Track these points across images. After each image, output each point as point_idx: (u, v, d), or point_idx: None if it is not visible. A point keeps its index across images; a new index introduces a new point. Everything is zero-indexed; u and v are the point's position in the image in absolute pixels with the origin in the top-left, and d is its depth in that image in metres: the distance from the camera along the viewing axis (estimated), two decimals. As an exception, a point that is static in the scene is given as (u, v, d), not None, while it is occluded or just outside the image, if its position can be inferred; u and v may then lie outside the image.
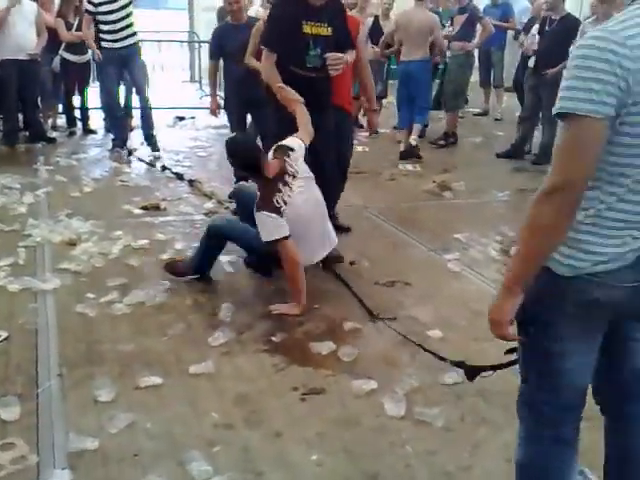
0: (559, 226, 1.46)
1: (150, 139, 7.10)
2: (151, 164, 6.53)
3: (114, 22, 6.66)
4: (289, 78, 3.82)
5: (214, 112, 5.97)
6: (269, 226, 3.40)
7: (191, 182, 5.92)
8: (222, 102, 5.87)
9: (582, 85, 1.37)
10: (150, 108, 7.07)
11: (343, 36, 3.98)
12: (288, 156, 3.57)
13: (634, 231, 1.50)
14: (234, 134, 4.67)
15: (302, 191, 3.56)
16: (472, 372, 2.58)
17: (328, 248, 3.78)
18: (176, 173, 6.19)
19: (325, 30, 3.86)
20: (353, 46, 4.05)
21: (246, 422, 2.57)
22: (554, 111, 1.42)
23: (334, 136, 4.12)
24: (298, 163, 3.60)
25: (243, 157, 3.58)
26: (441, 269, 4.16)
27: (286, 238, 3.39)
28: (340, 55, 3.86)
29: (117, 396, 2.70)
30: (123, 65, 6.85)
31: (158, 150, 7.05)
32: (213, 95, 5.84)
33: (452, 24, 7.73)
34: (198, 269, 3.85)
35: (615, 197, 1.47)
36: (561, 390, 1.66)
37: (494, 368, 2.26)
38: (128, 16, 6.73)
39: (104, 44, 6.78)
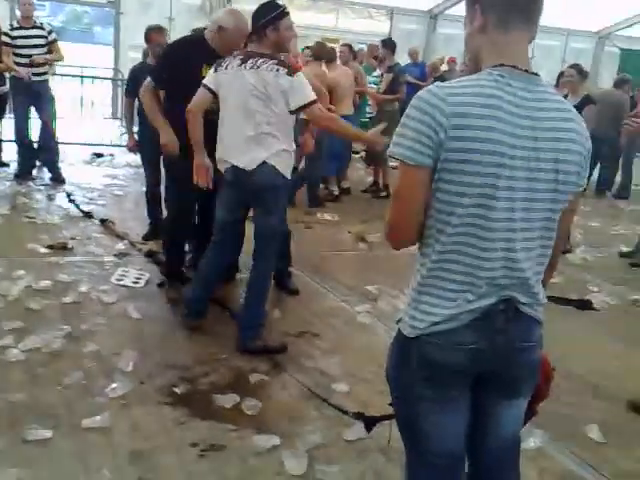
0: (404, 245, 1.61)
1: (53, 170, 7.22)
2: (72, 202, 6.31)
3: (27, 56, 6.85)
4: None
5: (132, 149, 5.87)
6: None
7: (103, 221, 5.76)
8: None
9: (405, 133, 1.47)
10: (56, 141, 7.28)
11: None
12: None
13: (468, 294, 1.52)
14: None
15: (236, 75, 3.37)
16: (371, 422, 2.70)
17: (236, 157, 3.44)
18: (86, 212, 6.02)
19: None
20: None
21: (139, 480, 2.46)
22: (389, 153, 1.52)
23: None
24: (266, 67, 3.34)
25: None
26: (351, 320, 4.18)
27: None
28: None
29: (1, 451, 2.53)
30: (34, 98, 7.01)
31: (62, 181, 7.12)
32: (130, 132, 5.77)
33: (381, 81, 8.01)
34: None
35: (443, 255, 1.51)
36: (428, 455, 1.65)
37: (391, 417, 2.27)
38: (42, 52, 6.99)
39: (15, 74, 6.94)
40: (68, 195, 6.59)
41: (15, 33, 6.87)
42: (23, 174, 7.17)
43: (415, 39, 13.29)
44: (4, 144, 7.78)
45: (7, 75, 7.40)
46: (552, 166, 1.50)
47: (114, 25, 12.19)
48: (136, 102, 5.38)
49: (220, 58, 3.61)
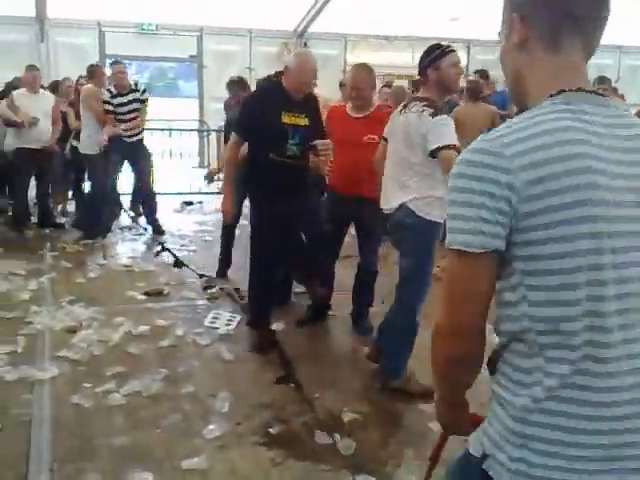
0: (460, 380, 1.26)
1: (153, 222, 7.41)
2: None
3: (128, 121, 7.10)
4: (268, 164, 3.92)
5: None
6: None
7: (204, 275, 5.86)
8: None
9: (458, 213, 1.11)
10: (154, 193, 7.46)
11: (319, 127, 4.10)
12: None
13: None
14: None
15: (395, 122, 3.45)
16: None
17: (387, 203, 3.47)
18: (176, 260, 6.22)
19: (303, 121, 3.97)
20: (325, 137, 4.09)
21: (238, 522, 2.47)
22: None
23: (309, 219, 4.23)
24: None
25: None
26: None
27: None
28: (329, 141, 3.98)
29: (106, 494, 2.62)
30: (130, 156, 7.25)
31: (163, 233, 7.29)
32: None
33: None
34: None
35: (567, 364, 1.10)
36: None
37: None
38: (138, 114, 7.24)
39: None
40: (161, 244, 6.83)
41: (116, 101, 7.02)
42: (102, 233, 7.15)
43: (496, 68, 13.17)
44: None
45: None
46: None
47: (197, 78, 12.71)
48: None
49: (295, 101, 3.85)
